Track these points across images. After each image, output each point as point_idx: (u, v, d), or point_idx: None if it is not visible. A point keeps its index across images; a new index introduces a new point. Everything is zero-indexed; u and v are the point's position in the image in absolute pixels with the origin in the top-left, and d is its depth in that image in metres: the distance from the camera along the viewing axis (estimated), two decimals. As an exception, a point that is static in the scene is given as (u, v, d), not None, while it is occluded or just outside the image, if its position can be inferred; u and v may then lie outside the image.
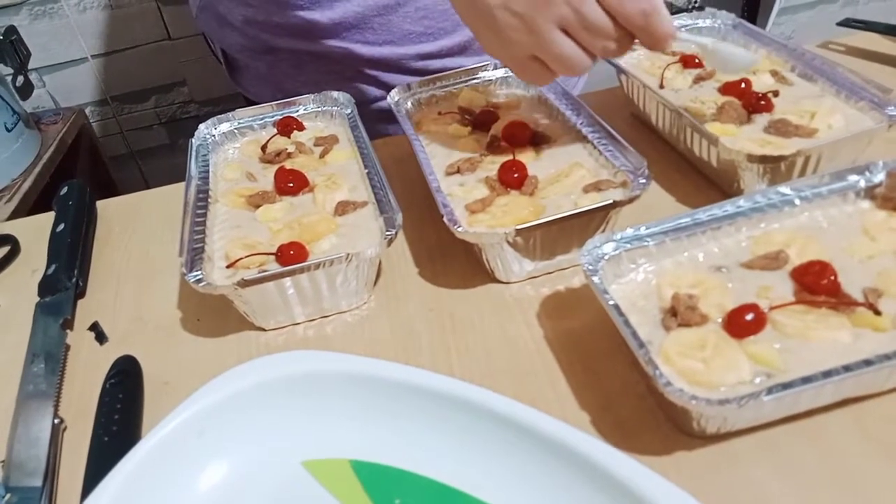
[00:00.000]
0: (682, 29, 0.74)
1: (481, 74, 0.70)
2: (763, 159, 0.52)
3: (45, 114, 1.56)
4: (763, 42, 0.69)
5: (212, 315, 0.55)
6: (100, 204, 0.71)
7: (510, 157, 0.57)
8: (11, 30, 1.26)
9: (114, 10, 1.53)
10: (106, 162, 1.69)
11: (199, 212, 0.56)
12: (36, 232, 0.68)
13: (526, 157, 0.58)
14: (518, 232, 0.48)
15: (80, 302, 0.59)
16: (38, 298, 0.58)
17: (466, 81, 0.70)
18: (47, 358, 0.52)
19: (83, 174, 1.55)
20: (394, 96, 0.67)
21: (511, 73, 0.70)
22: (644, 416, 0.43)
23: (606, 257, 0.46)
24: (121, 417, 0.46)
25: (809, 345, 0.40)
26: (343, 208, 0.55)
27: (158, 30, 1.58)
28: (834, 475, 0.38)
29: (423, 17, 0.71)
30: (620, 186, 0.53)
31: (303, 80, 0.80)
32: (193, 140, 0.66)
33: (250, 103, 0.77)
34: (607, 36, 0.50)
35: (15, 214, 1.19)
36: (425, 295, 0.54)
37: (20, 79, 1.29)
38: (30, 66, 1.36)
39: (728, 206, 0.48)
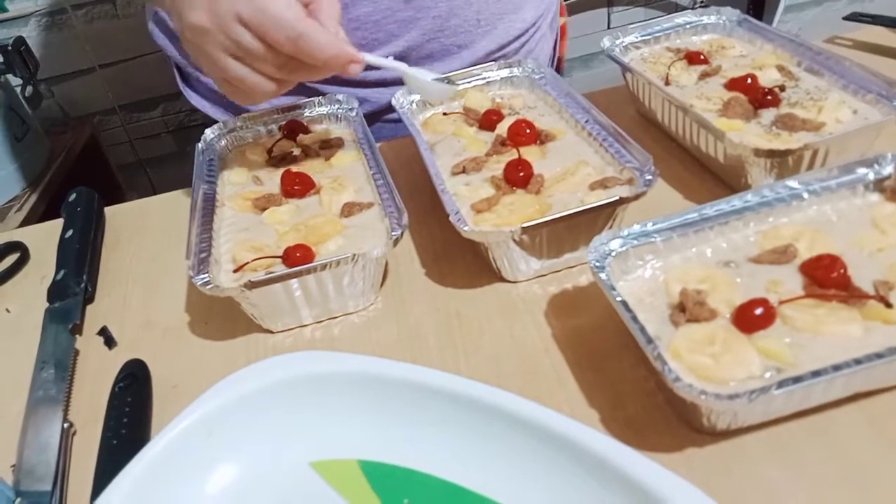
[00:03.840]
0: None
1: (486, 74, 0.70)
2: (770, 154, 0.52)
3: (54, 124, 1.58)
4: (769, 37, 0.68)
5: (220, 318, 0.55)
6: (108, 210, 0.72)
7: (515, 156, 0.57)
8: (20, 41, 1.27)
9: (121, 20, 1.54)
10: (115, 171, 1.70)
11: (205, 215, 0.56)
12: (45, 238, 0.68)
13: (531, 155, 0.58)
14: (524, 230, 0.48)
15: (88, 307, 0.59)
16: (47, 304, 0.58)
17: (470, 82, 0.70)
18: (57, 363, 0.53)
19: (92, 183, 1.55)
20: (398, 98, 0.67)
21: (515, 74, 0.70)
22: (654, 413, 0.42)
23: (613, 254, 0.46)
24: (130, 421, 0.46)
25: (820, 339, 0.40)
26: (349, 210, 0.55)
27: (163, 38, 1.59)
28: (845, 471, 0.38)
29: (356, 28, 0.71)
30: (627, 183, 0.52)
31: None
32: (200, 145, 0.66)
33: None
34: (271, 61, 0.52)
35: (25, 223, 1.19)
36: (432, 295, 0.54)
37: (29, 89, 1.30)
38: (39, 76, 1.37)
39: (736, 201, 0.48)
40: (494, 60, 0.73)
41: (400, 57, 0.76)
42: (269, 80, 0.54)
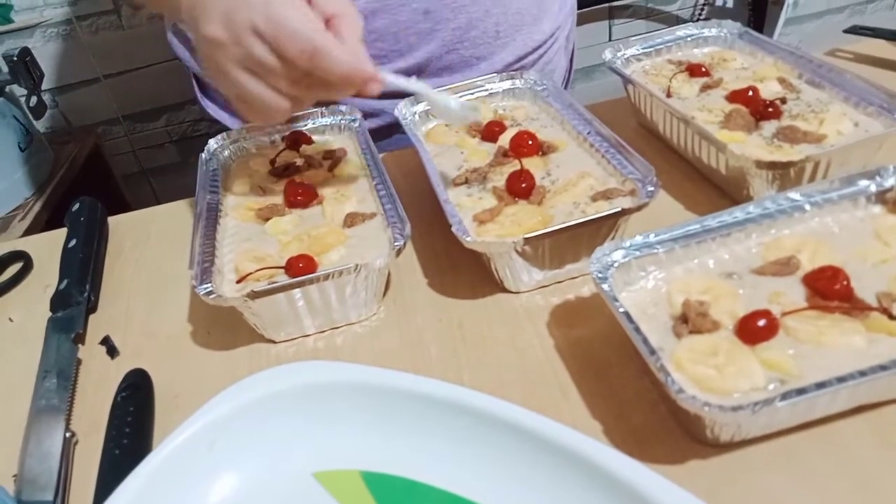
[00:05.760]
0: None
1: (488, 86, 0.70)
2: (772, 165, 0.52)
3: (58, 133, 1.58)
4: (770, 50, 0.69)
5: (222, 328, 0.55)
6: (111, 219, 0.72)
7: (518, 167, 0.57)
8: (25, 51, 1.28)
9: (125, 31, 1.55)
10: (118, 180, 1.71)
11: (208, 225, 0.56)
12: (49, 248, 0.68)
13: (534, 166, 0.58)
14: (527, 241, 0.48)
15: (91, 316, 0.59)
16: (50, 313, 0.58)
17: (473, 93, 0.70)
18: (59, 373, 0.53)
19: (96, 193, 1.55)
20: (401, 108, 0.67)
21: (518, 85, 0.70)
22: (657, 424, 0.42)
23: (616, 265, 0.46)
24: (132, 430, 0.46)
25: (823, 350, 0.40)
26: (352, 220, 0.55)
27: (169, 49, 1.60)
28: (851, 483, 0.38)
29: (375, 41, 0.71)
30: (629, 195, 0.52)
31: None
32: (203, 155, 0.66)
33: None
34: (285, 76, 0.50)
35: (28, 233, 1.20)
36: (435, 306, 0.54)
37: (34, 99, 1.31)
38: (43, 86, 1.38)
39: (738, 213, 0.48)
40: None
41: (419, 68, 0.76)
42: (283, 96, 0.52)
